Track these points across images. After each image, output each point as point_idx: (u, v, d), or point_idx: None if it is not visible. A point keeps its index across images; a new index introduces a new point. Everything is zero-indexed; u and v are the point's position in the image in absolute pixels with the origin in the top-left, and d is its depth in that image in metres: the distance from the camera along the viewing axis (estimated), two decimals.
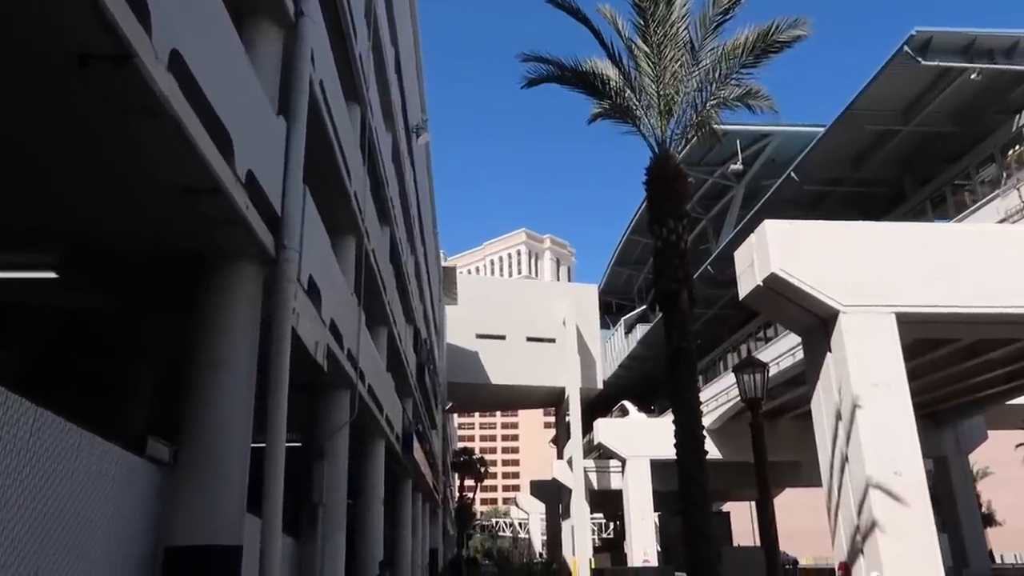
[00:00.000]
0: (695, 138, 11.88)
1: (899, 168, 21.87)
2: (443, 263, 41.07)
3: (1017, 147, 17.77)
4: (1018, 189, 15.42)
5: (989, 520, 40.61)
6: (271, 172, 6.12)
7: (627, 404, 41.79)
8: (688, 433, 9.63)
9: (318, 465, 10.18)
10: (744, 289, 15.46)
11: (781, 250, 14.37)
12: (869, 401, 13.66)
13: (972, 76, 17.22)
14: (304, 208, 7.21)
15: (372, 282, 13.41)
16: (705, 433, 9.82)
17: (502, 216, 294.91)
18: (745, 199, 34.60)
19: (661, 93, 10.79)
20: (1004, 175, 17.87)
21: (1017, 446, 34.60)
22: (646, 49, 10.59)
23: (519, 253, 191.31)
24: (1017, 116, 17.77)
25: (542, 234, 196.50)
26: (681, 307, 10.06)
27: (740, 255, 15.74)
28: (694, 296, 10.23)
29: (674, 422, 9.89)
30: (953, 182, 20.67)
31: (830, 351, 14.59)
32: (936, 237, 14.67)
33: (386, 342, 16.17)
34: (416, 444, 19.45)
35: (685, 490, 9.59)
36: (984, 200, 16.24)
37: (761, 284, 14.62)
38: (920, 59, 16.93)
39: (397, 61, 18.73)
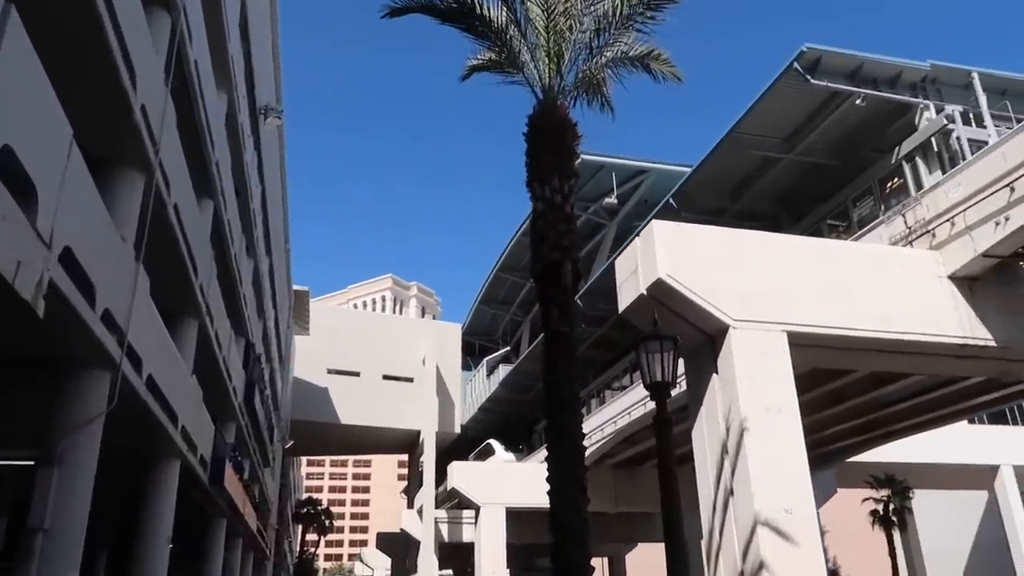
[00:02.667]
0: (588, 100, 10.07)
1: (776, 203, 21.34)
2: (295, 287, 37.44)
3: (896, 179, 17.42)
4: (903, 215, 14.74)
5: None
6: None
7: (493, 443, 39.34)
8: (566, 441, 7.38)
9: (43, 474, 7.05)
10: (625, 300, 13.66)
11: (670, 254, 12.70)
12: (759, 427, 12.05)
13: (857, 101, 16.74)
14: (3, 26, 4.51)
15: (172, 249, 10.44)
16: None
17: (368, 262, 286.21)
18: (616, 240, 33.84)
19: (552, 28, 8.87)
20: (882, 207, 17.42)
21: (864, 500, 35.12)
22: None
23: (384, 299, 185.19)
24: (896, 149, 17.47)
25: (409, 281, 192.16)
26: (564, 282, 7.96)
27: (622, 262, 14.00)
28: (579, 271, 8.17)
29: (547, 428, 7.64)
30: (827, 220, 20.24)
31: (717, 372, 12.96)
32: (832, 253, 13.55)
33: (195, 340, 13.01)
34: (232, 475, 16.05)
35: (558, 518, 7.26)
36: (870, 226, 15.51)
37: (645, 293, 12.85)
38: (809, 78, 16.25)
39: (244, 17, 16.01)
